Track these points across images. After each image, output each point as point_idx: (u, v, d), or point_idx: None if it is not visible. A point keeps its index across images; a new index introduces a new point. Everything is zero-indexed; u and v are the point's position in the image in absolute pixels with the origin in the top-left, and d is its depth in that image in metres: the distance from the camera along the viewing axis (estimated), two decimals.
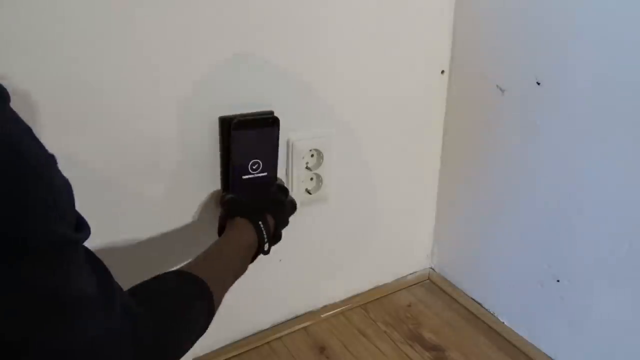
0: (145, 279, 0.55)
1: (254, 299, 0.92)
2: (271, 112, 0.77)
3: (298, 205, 0.88)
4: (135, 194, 0.72)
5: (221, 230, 0.72)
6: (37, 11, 0.57)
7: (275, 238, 0.74)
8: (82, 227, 0.39)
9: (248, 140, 0.73)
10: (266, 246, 0.71)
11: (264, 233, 0.70)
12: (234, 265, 0.65)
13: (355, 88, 0.87)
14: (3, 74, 0.57)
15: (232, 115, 0.74)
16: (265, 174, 0.77)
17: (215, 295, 0.57)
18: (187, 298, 0.54)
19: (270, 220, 0.72)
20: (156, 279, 0.55)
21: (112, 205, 0.71)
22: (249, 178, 0.75)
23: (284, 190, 0.79)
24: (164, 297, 0.52)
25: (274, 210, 0.74)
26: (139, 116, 0.69)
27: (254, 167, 0.75)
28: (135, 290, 0.51)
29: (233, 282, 0.65)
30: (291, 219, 0.89)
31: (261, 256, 0.88)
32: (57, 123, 0.63)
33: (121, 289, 0.44)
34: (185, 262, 0.61)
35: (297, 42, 0.78)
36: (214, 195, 0.79)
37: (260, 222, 0.69)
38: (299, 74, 0.80)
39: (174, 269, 0.58)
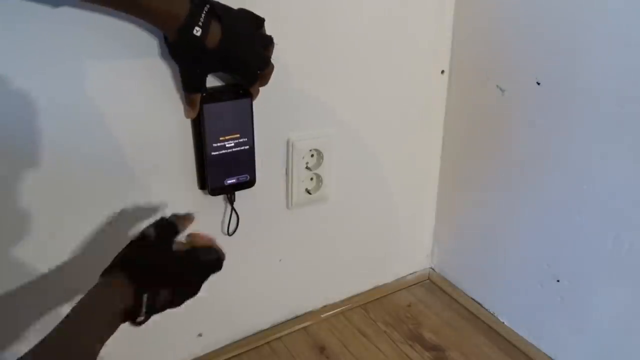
0: None
1: (254, 299, 0.92)
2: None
3: (297, 206, 0.88)
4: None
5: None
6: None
7: (168, 307, 0.58)
8: None
9: (221, 113, 0.71)
10: (140, 319, 0.55)
11: (144, 308, 0.54)
12: (97, 341, 0.51)
13: (356, 88, 0.87)
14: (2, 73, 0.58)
15: None
16: (246, 147, 0.75)
17: None
18: None
19: (163, 295, 0.56)
20: None
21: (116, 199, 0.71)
22: (226, 153, 0.73)
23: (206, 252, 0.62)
24: None
25: (177, 285, 0.58)
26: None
27: (230, 141, 0.73)
28: None
29: (96, 356, 0.50)
30: (292, 218, 0.89)
31: (261, 256, 0.89)
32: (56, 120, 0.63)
33: None
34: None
35: (296, 42, 0.78)
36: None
37: (145, 295, 0.54)
38: (299, 74, 0.80)
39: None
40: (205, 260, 0.62)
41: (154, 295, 0.55)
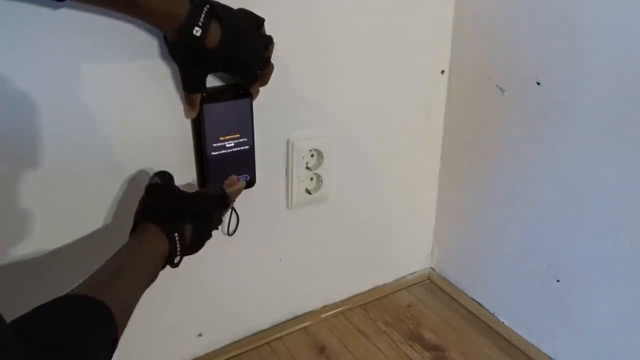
0: None
1: (254, 299, 0.92)
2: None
3: (297, 205, 0.88)
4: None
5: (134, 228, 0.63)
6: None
7: (192, 249, 0.65)
8: None
9: (221, 113, 0.71)
10: (177, 259, 0.61)
11: (178, 245, 0.60)
12: (141, 282, 0.56)
13: (356, 88, 0.87)
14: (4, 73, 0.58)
15: None
16: (246, 147, 0.75)
17: (120, 321, 0.48)
18: (84, 330, 0.44)
19: (188, 231, 0.63)
20: (46, 307, 0.44)
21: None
22: (226, 153, 0.73)
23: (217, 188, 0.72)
24: (56, 331, 0.42)
25: (195, 219, 0.64)
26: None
27: (230, 141, 0.73)
28: (22, 324, 0.42)
29: (139, 299, 0.55)
30: (292, 218, 0.89)
31: (261, 256, 0.89)
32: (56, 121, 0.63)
33: (9, 334, 0.37)
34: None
35: (296, 42, 0.78)
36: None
37: (175, 234, 0.60)
38: (299, 74, 0.80)
39: (70, 291, 0.48)
40: (211, 195, 0.70)
41: (181, 234, 0.61)
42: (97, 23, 0.61)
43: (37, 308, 0.44)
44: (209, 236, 0.68)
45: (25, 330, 0.40)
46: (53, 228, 0.67)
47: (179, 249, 0.60)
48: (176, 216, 0.62)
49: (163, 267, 0.60)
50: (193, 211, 0.64)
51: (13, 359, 0.36)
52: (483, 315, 1.02)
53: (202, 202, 0.68)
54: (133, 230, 0.62)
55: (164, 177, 0.68)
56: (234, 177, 0.75)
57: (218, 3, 0.63)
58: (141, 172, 0.71)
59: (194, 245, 0.65)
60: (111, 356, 0.47)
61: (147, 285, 0.57)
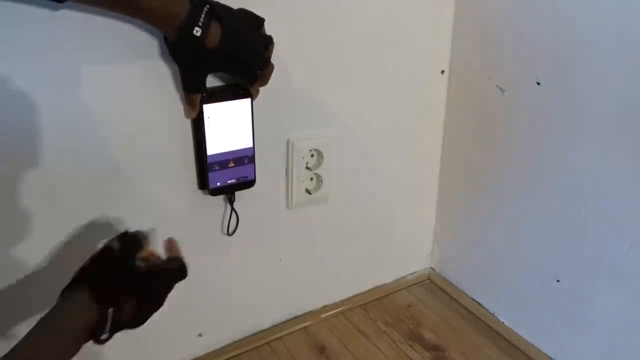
0: None
1: (254, 299, 0.92)
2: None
3: (297, 205, 0.88)
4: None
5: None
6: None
7: (133, 324, 0.56)
8: None
9: (221, 114, 0.71)
10: (104, 336, 0.53)
11: (108, 323, 0.52)
12: None
13: (356, 88, 0.87)
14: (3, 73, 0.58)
15: None
16: (246, 147, 0.75)
17: None
18: None
19: (129, 311, 0.55)
20: None
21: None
22: (226, 153, 0.74)
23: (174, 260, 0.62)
24: None
25: (142, 296, 0.56)
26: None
27: (231, 143, 0.74)
28: None
29: None
30: (292, 218, 0.90)
31: (261, 256, 0.89)
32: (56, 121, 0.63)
33: None
34: None
35: (296, 42, 0.78)
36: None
37: (110, 310, 0.52)
38: (299, 74, 0.80)
39: None
40: (169, 271, 0.61)
41: (119, 311, 0.53)
42: (97, 23, 0.61)
43: None
44: (157, 309, 0.59)
45: None
46: (53, 228, 0.67)
47: (107, 327, 0.53)
48: (119, 291, 0.55)
49: (86, 340, 0.53)
50: (143, 289, 0.57)
51: None
52: (483, 315, 1.02)
53: (158, 280, 0.59)
54: (68, 287, 0.54)
55: (125, 242, 0.59)
56: (173, 241, 0.64)
57: (218, 3, 0.63)
58: (142, 172, 0.71)
59: (137, 320, 0.57)
60: None
61: None
